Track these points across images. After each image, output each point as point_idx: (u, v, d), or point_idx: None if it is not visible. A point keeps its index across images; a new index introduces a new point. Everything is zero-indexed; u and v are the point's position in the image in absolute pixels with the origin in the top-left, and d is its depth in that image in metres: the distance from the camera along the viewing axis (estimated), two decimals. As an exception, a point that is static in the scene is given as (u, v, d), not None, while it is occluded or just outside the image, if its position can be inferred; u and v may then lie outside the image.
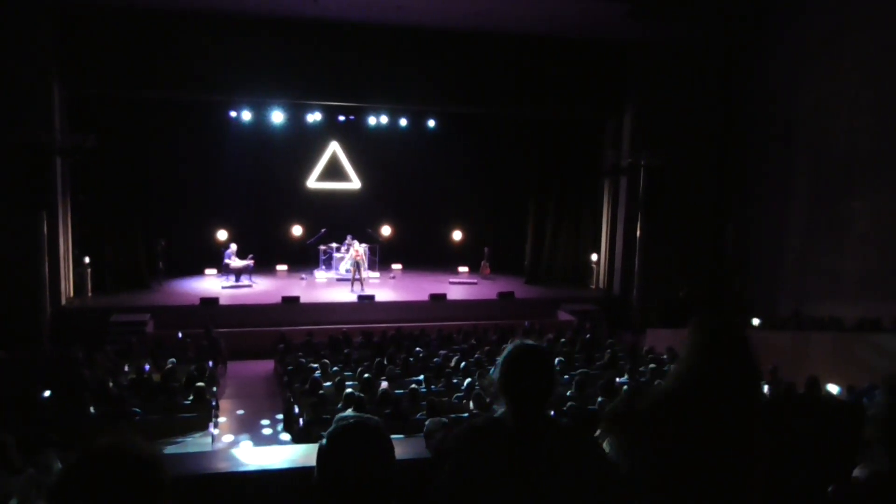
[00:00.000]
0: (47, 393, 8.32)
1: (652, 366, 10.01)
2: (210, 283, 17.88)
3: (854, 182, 14.32)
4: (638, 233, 17.33)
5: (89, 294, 16.19)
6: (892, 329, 10.73)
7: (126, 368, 10.54)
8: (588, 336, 13.01)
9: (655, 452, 2.28)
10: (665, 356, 11.26)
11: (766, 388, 8.80)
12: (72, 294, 15.82)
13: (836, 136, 14.81)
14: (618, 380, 9.22)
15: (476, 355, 10.83)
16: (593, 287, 19.32)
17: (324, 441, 1.88)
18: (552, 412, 4.91)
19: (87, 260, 16.20)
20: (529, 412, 2.22)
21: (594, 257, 19.43)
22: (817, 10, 15.44)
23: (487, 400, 6.86)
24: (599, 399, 7.72)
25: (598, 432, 2.55)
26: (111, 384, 8.75)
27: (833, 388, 9.14)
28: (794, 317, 14.12)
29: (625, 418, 2.44)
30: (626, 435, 2.40)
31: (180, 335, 13.09)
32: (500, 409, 2.28)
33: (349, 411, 7.03)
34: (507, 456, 2.14)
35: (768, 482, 2.29)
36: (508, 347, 2.33)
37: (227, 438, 9.27)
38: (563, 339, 12.80)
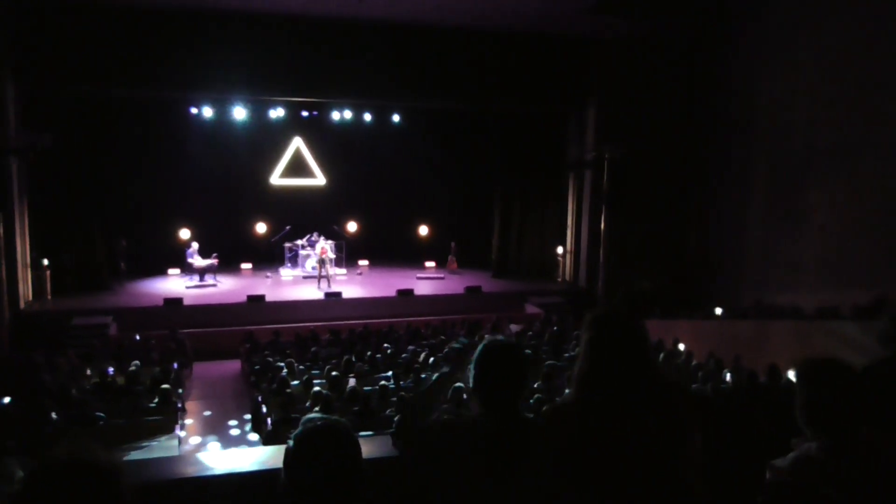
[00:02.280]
0: (6, 399, 8.13)
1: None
2: (173, 284, 17.63)
3: (812, 174, 14.61)
4: (602, 225, 17.50)
5: (49, 297, 15.83)
6: (849, 317, 10.98)
7: (89, 372, 10.34)
8: (555, 328, 13.12)
9: (568, 456, 2.29)
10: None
11: (728, 377, 8.98)
12: (30, 297, 15.46)
13: (795, 129, 15.09)
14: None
15: (445, 350, 10.84)
16: (559, 280, 19.48)
17: (290, 443, 1.86)
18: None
19: (45, 262, 15.82)
20: (503, 409, 2.22)
21: (560, 250, 19.58)
22: (777, 5, 15.69)
23: (465, 396, 6.87)
24: (567, 391, 7.78)
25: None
26: (73, 389, 8.58)
27: (794, 376, 9.33)
28: (756, 306, 14.38)
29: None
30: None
31: (138, 337, 12.88)
32: (474, 409, 2.28)
33: (317, 411, 7.00)
34: (483, 455, 2.14)
35: (705, 469, 2.31)
36: (480, 345, 2.33)
37: (195, 440, 9.16)
38: (530, 332, 12.89)
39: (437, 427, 2.29)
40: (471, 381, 2.29)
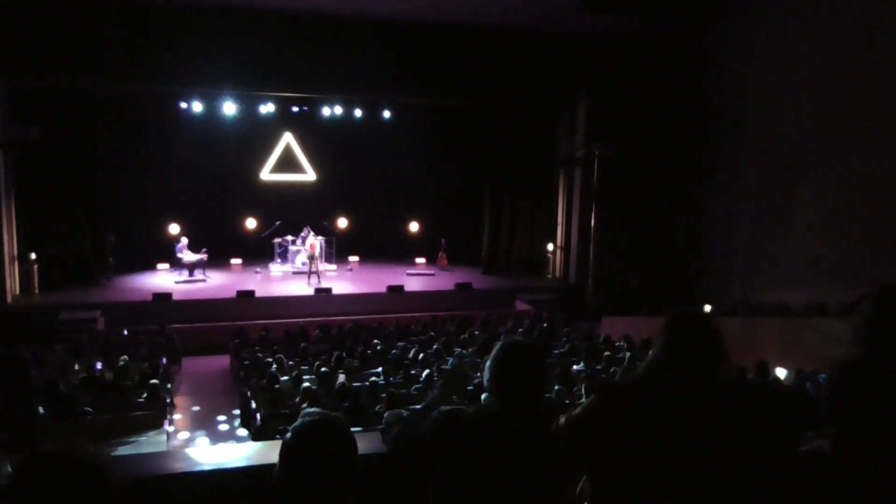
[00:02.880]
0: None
1: (607, 353, 10.16)
2: (163, 278, 17.55)
3: (801, 172, 14.70)
4: (592, 222, 17.55)
5: (36, 291, 15.75)
6: (836, 314, 11.07)
7: (76, 367, 10.29)
8: (545, 325, 13.15)
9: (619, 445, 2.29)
10: (620, 343, 11.45)
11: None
12: (18, 292, 15.35)
13: (784, 127, 15.18)
14: (574, 368, 9.36)
15: (434, 346, 10.87)
16: (550, 276, 19.52)
17: (288, 436, 1.86)
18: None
19: (33, 256, 15.74)
20: (521, 407, 2.24)
21: (550, 247, 19.62)
22: (768, 3, 15.77)
23: (453, 397, 6.88)
24: (556, 387, 7.82)
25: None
26: (61, 384, 8.53)
27: (781, 372, 9.41)
28: (744, 303, 14.48)
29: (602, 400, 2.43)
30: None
31: (126, 332, 12.83)
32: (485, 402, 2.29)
33: (305, 407, 6.99)
34: (499, 449, 2.15)
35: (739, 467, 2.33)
36: (497, 346, 2.33)
37: (183, 436, 9.14)
38: (520, 329, 12.92)
39: (443, 417, 2.28)
40: (486, 380, 2.30)
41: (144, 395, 8.54)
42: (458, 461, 2.17)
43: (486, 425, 2.20)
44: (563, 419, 2.43)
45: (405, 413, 4.68)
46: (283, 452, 1.85)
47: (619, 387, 2.50)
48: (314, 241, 17.64)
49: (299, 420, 1.89)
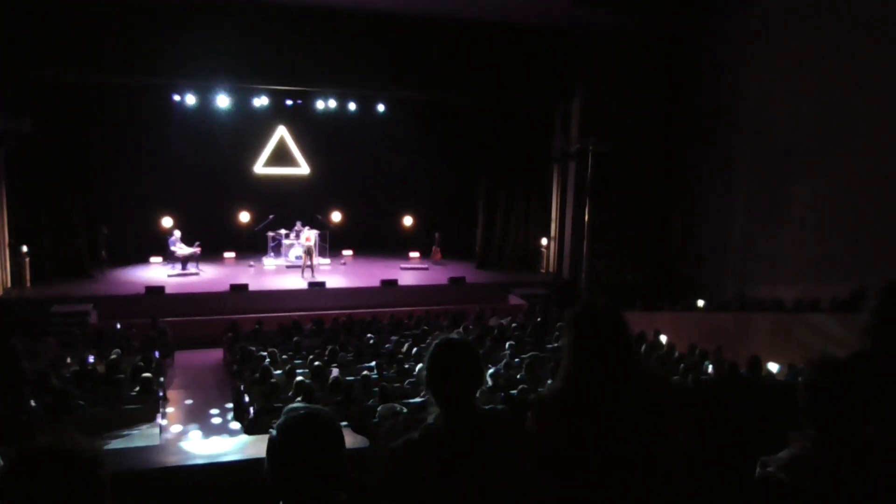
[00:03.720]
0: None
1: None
2: (155, 272, 17.50)
3: (794, 168, 14.73)
4: (586, 217, 17.56)
5: (28, 284, 15.67)
6: (828, 310, 11.12)
7: (69, 360, 10.26)
8: (538, 319, 13.16)
9: (555, 449, 2.30)
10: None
11: (709, 368, 9.07)
12: (9, 284, 15.28)
13: (778, 124, 15.20)
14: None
15: (428, 341, 10.87)
16: (543, 271, 19.53)
17: (274, 432, 1.86)
18: (501, 395, 4.97)
19: (25, 249, 15.66)
20: (459, 406, 2.23)
21: (544, 242, 19.63)
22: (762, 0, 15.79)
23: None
24: (549, 382, 7.82)
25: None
26: (53, 376, 8.50)
27: (773, 367, 9.45)
28: (738, 298, 14.52)
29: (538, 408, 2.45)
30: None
31: (118, 326, 12.78)
32: (432, 412, 2.28)
33: (299, 400, 6.98)
34: (445, 461, 2.15)
35: (690, 464, 2.34)
36: (433, 344, 2.34)
37: (176, 429, 9.13)
38: (514, 324, 12.93)
39: (400, 449, 2.28)
40: (425, 379, 2.31)
41: (137, 388, 8.52)
42: (416, 487, 2.17)
43: (433, 445, 2.20)
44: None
45: (398, 407, 4.68)
46: (270, 448, 1.85)
47: (546, 401, 2.50)
48: (310, 235, 17.62)
49: (284, 416, 1.88)
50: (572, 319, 2.44)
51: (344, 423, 2.44)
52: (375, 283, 16.58)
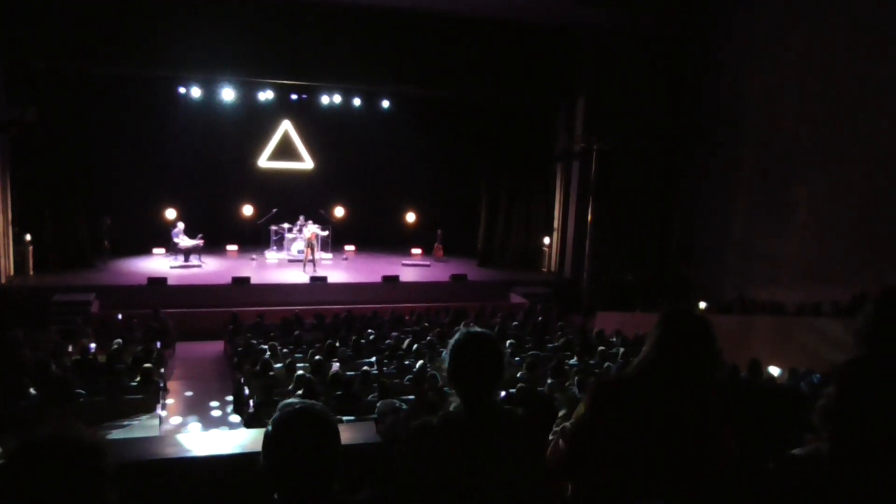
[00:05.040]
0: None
1: (601, 348, 10.18)
2: (158, 263, 17.53)
3: (796, 170, 14.72)
4: (589, 217, 17.55)
5: (31, 273, 15.70)
6: (831, 314, 11.11)
7: (70, 349, 10.27)
8: (539, 318, 13.16)
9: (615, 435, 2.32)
10: (614, 339, 11.47)
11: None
12: (12, 273, 15.31)
13: (781, 125, 15.18)
14: (569, 362, 9.37)
15: (428, 337, 10.88)
16: (545, 270, 19.52)
17: (269, 427, 1.86)
18: (504, 395, 4.97)
19: (28, 238, 15.69)
20: (480, 399, 2.24)
21: (546, 240, 19.62)
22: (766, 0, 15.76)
23: (440, 383, 6.89)
24: (549, 381, 7.83)
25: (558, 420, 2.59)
26: (54, 365, 8.51)
27: (774, 371, 9.44)
28: (739, 300, 14.51)
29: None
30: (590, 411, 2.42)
31: (120, 316, 12.80)
32: (453, 402, 2.29)
33: (299, 395, 7.00)
34: (462, 450, 2.15)
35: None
36: (456, 335, 2.34)
37: (176, 420, 9.13)
38: (515, 322, 12.93)
39: (413, 433, 2.29)
40: (446, 371, 2.30)
41: (137, 378, 8.52)
42: (431, 473, 2.18)
43: (452, 433, 2.20)
44: (566, 424, 2.45)
45: (398, 403, 4.69)
46: (265, 443, 1.85)
47: (611, 384, 2.51)
48: (314, 229, 17.64)
49: (278, 411, 1.88)
50: (665, 317, 2.46)
51: (346, 419, 2.44)
52: (377, 278, 16.58)
